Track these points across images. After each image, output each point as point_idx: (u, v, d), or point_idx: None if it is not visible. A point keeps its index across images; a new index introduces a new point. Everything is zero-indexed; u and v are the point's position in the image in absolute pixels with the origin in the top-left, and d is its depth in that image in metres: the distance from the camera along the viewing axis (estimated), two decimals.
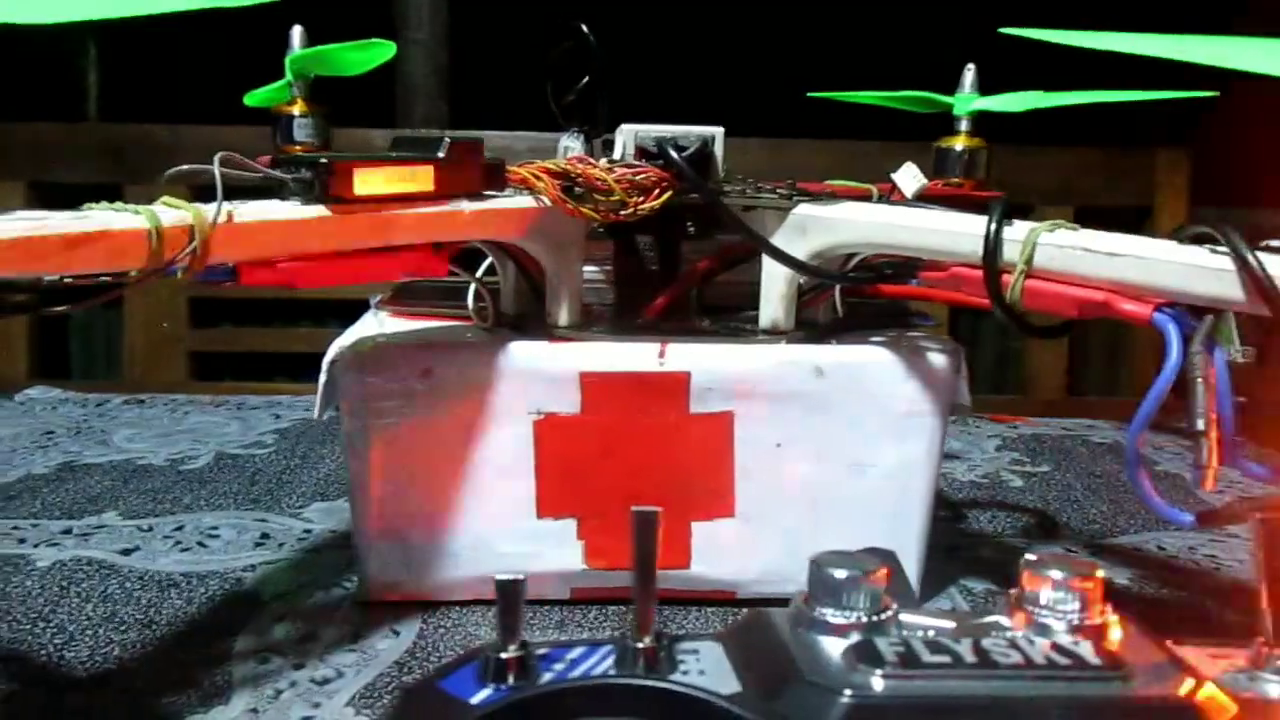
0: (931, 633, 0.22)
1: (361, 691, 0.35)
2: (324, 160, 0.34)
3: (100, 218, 0.29)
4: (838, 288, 0.44)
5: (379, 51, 0.50)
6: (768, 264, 0.43)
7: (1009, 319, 0.37)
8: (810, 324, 0.45)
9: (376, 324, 0.44)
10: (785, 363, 0.42)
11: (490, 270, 0.45)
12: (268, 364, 1.24)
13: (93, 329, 1.38)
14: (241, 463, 0.61)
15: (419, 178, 0.36)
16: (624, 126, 0.45)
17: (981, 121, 0.56)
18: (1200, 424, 0.31)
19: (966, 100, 0.55)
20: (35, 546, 0.47)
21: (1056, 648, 0.21)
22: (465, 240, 0.40)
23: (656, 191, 0.41)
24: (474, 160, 0.38)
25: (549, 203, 0.40)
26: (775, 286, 0.43)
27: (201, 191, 0.32)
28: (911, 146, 0.56)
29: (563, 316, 0.43)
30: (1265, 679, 0.22)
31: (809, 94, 0.64)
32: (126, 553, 0.47)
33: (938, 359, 0.42)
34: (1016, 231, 0.36)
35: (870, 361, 0.42)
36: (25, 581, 0.43)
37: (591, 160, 0.41)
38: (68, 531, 0.49)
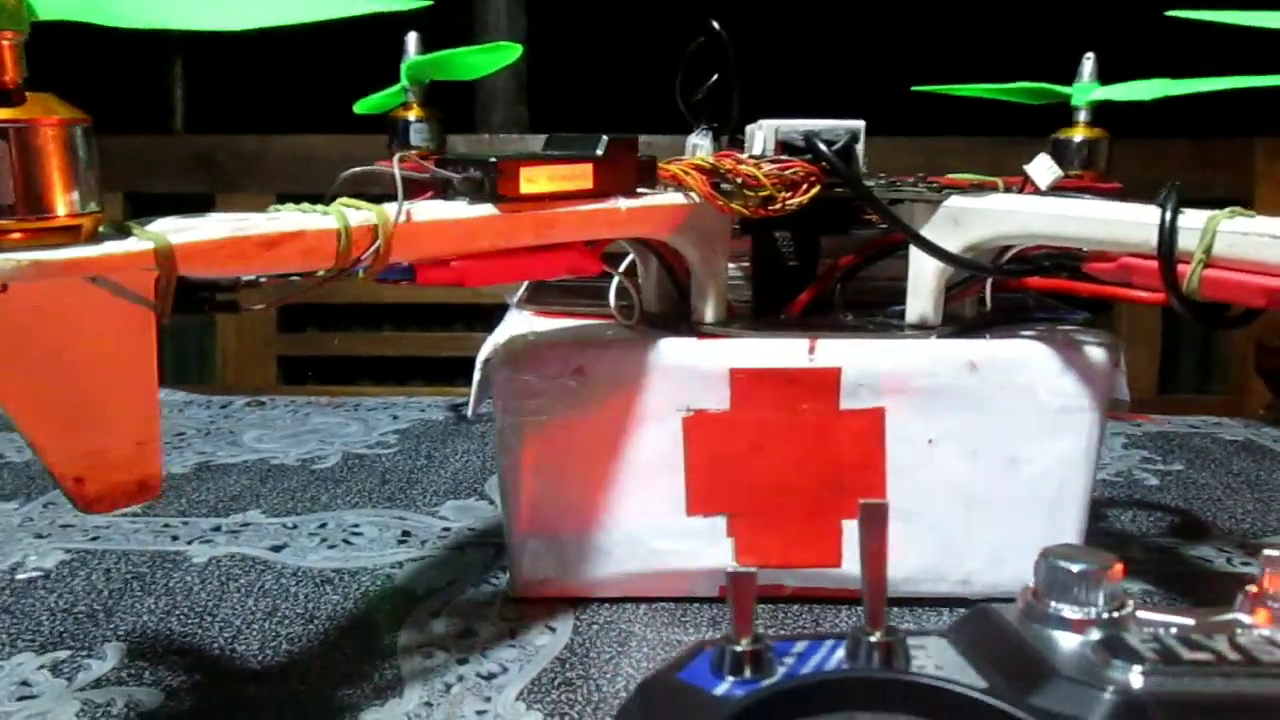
0: (1175, 630, 0.21)
1: (529, 687, 0.36)
2: (493, 160, 0.34)
3: (292, 219, 0.30)
4: (989, 281, 0.44)
5: (504, 54, 0.50)
6: (916, 258, 0.42)
7: (1186, 310, 0.36)
8: (957, 319, 0.44)
9: (525, 322, 0.44)
10: (937, 358, 0.41)
11: (631, 268, 0.45)
12: (351, 368, 1.26)
13: (185, 334, 1.42)
14: (369, 462, 0.62)
15: (579, 176, 0.36)
16: (763, 122, 0.45)
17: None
18: None
19: (1086, 90, 0.54)
20: (189, 543, 0.49)
21: None
22: (620, 237, 0.40)
23: (805, 186, 0.41)
24: (629, 158, 0.38)
25: (699, 199, 0.40)
26: (924, 280, 0.42)
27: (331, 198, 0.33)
28: (997, 141, 0.55)
29: (709, 313, 0.43)
30: None
31: (913, 88, 0.63)
32: (277, 549, 0.48)
33: (1095, 353, 0.41)
34: (1192, 219, 0.35)
35: (1025, 355, 0.41)
36: (185, 577, 0.45)
37: (740, 156, 0.41)
38: (217, 529, 0.50)
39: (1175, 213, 0.35)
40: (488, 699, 0.35)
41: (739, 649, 0.21)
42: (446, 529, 0.51)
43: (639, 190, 0.39)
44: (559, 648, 0.38)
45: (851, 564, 0.42)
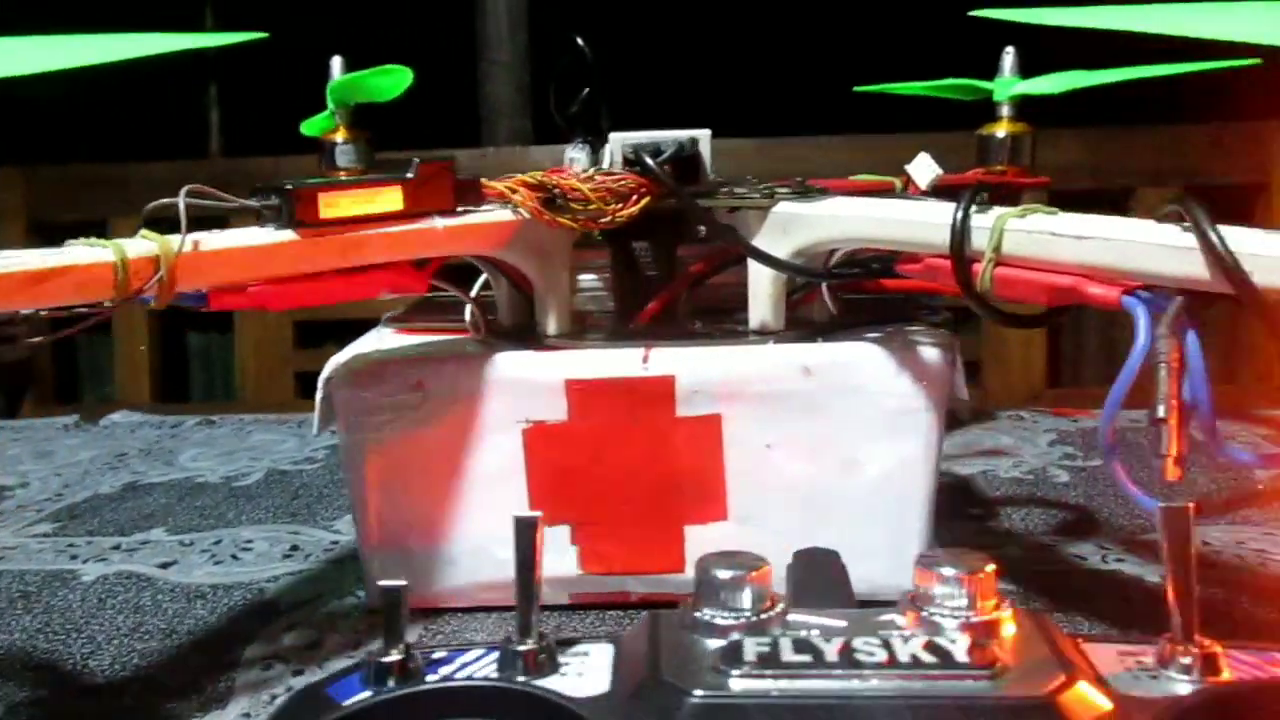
0: (815, 632, 0.22)
1: None
2: (289, 187, 0.35)
3: (70, 253, 0.31)
4: (824, 285, 0.44)
5: (400, 77, 0.52)
6: (753, 264, 0.43)
7: (981, 309, 0.36)
8: (807, 323, 0.45)
9: (376, 340, 0.45)
10: (771, 363, 0.41)
11: (488, 284, 0.46)
12: None
13: (210, 353, 1.46)
14: (289, 478, 0.63)
15: (387, 198, 0.37)
16: (613, 135, 0.45)
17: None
18: (1162, 411, 0.29)
19: (1007, 84, 0.54)
20: (85, 562, 0.50)
21: (930, 645, 0.20)
22: (444, 256, 0.41)
23: (635, 198, 0.42)
24: (445, 178, 0.39)
25: (528, 215, 0.41)
26: (762, 286, 0.43)
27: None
28: (955, 137, 0.55)
29: (551, 326, 0.44)
30: (1169, 677, 0.21)
31: (855, 89, 0.64)
32: (165, 566, 0.50)
33: (930, 353, 0.41)
34: (988, 218, 0.35)
35: (859, 358, 0.41)
36: (69, 595, 0.46)
37: (568, 170, 0.42)
38: (117, 547, 0.52)
39: (967, 213, 0.35)
40: None
41: (385, 660, 0.22)
42: (335, 543, 0.52)
43: (460, 209, 0.40)
44: None
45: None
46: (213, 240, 0.34)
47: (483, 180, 0.41)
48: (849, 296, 0.46)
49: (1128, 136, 1.10)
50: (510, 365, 0.42)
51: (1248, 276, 0.28)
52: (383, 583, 0.22)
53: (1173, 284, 0.31)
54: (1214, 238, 0.29)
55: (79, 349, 1.53)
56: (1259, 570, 0.46)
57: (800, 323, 0.44)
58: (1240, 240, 0.29)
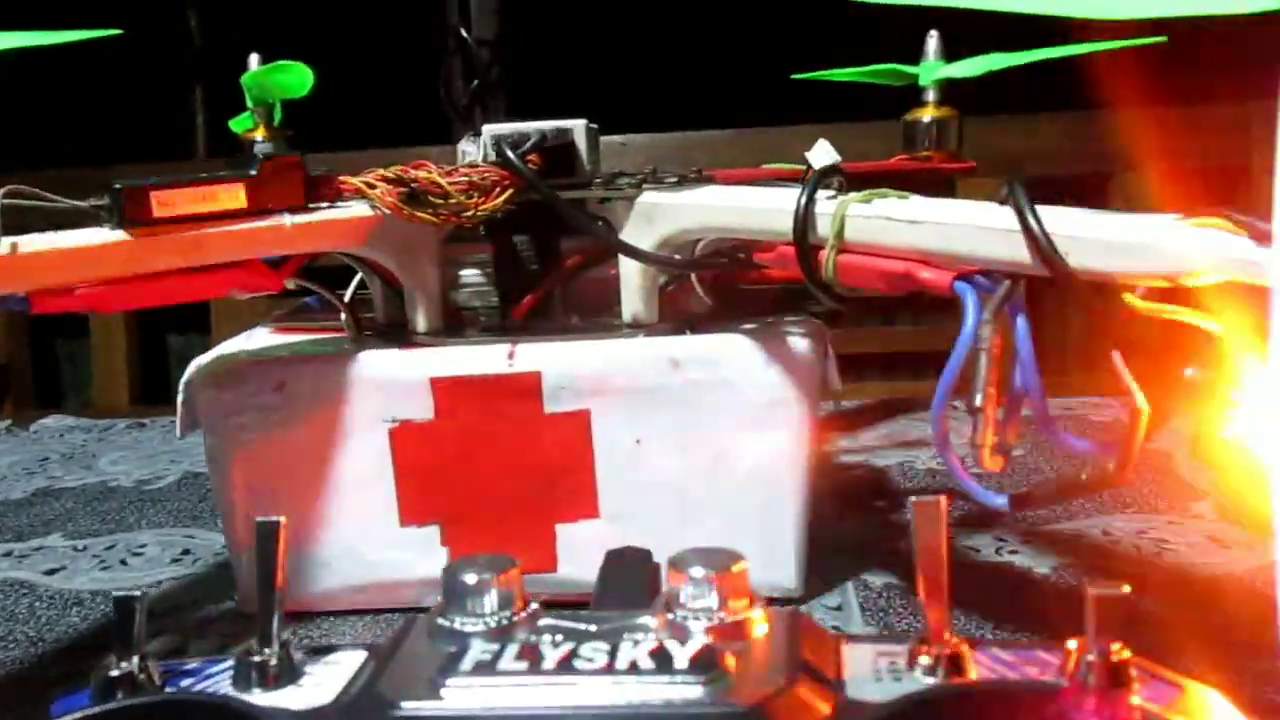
0: (552, 637, 0.21)
1: None
2: (118, 186, 0.35)
3: None
4: (693, 276, 0.43)
5: (301, 74, 0.52)
6: (623, 256, 0.42)
7: (828, 297, 0.35)
8: (685, 316, 0.44)
9: (245, 340, 0.44)
10: (638, 357, 0.40)
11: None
12: None
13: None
14: (203, 481, 0.62)
15: (229, 196, 0.37)
16: (485, 128, 0.45)
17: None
18: (979, 400, 0.28)
19: (931, 69, 0.53)
20: None
21: (658, 650, 0.20)
22: (302, 254, 0.41)
23: (497, 191, 0.41)
24: (294, 174, 0.38)
25: (387, 211, 0.40)
26: (632, 279, 0.42)
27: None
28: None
29: (421, 323, 0.43)
30: (912, 677, 0.20)
31: (793, 75, 0.63)
32: (52, 573, 0.49)
33: (799, 344, 0.40)
34: (829, 205, 0.34)
35: (726, 350, 0.40)
36: None
37: (430, 164, 0.41)
38: (9, 554, 0.52)
39: (810, 200, 0.34)
40: None
41: (112, 674, 0.21)
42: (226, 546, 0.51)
43: (312, 206, 0.39)
44: None
45: (568, 568, 0.42)
46: (35, 242, 0.33)
47: (340, 176, 0.40)
48: (750, 288, 0.46)
49: (1105, 121, 1.09)
50: (374, 364, 0.41)
51: (1063, 258, 0.28)
52: (118, 593, 0.22)
53: (1002, 268, 0.30)
54: (1030, 219, 0.28)
55: (59, 352, 1.53)
56: (1153, 561, 0.45)
57: (678, 316, 0.43)
58: (1059, 222, 0.28)
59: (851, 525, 0.50)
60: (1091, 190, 1.15)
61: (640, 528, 0.41)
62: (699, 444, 0.41)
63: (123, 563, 0.50)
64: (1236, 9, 0.25)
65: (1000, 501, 0.30)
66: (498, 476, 0.41)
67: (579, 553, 0.42)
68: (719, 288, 0.45)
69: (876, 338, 1.15)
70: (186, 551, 0.51)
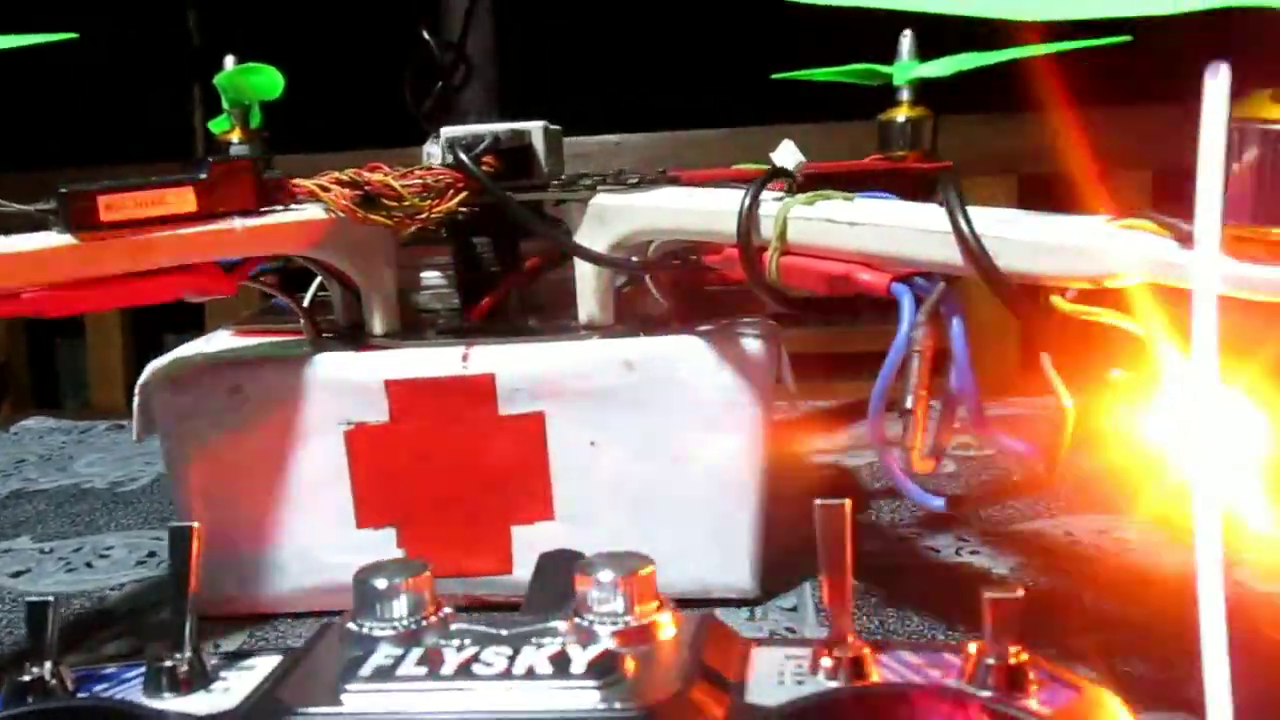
0: (458, 642, 0.21)
1: None
2: (64, 190, 0.35)
3: None
4: (647, 278, 0.43)
5: (270, 76, 0.52)
6: (577, 258, 0.42)
7: (773, 299, 0.35)
8: (641, 318, 0.44)
9: (204, 343, 0.45)
10: (592, 359, 0.41)
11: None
12: None
13: None
14: None
15: (178, 200, 0.37)
16: (442, 130, 0.45)
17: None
18: (909, 401, 0.28)
19: (905, 69, 0.53)
20: None
21: (558, 655, 0.20)
22: (256, 257, 0.41)
23: (450, 193, 0.41)
24: (243, 178, 0.38)
25: (340, 214, 0.40)
26: (587, 281, 0.42)
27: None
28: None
29: (377, 325, 0.43)
30: (815, 681, 0.20)
31: (773, 75, 0.63)
32: (17, 575, 0.49)
33: (753, 345, 0.40)
34: (773, 207, 0.34)
35: (679, 351, 0.40)
36: None
37: (384, 167, 0.41)
38: None
39: (754, 201, 0.34)
40: None
41: (23, 679, 0.21)
42: None
43: (265, 209, 0.39)
44: None
45: (524, 570, 0.42)
46: None
47: (293, 179, 0.40)
48: (715, 290, 0.46)
49: (1097, 119, 1.08)
50: (330, 366, 0.41)
51: (992, 259, 0.28)
52: (32, 598, 0.22)
53: (938, 269, 0.30)
54: (960, 220, 0.28)
55: (57, 353, 1.53)
56: (1112, 560, 0.45)
57: (635, 318, 0.43)
58: (989, 223, 0.28)
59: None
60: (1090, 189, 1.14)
61: (595, 529, 0.41)
62: (654, 445, 0.41)
63: (88, 565, 0.50)
64: (1154, 10, 0.25)
65: (938, 503, 0.30)
66: (453, 478, 0.41)
67: (534, 555, 0.41)
68: (681, 290, 0.46)
69: (862, 338, 1.15)
70: (153, 554, 0.51)
